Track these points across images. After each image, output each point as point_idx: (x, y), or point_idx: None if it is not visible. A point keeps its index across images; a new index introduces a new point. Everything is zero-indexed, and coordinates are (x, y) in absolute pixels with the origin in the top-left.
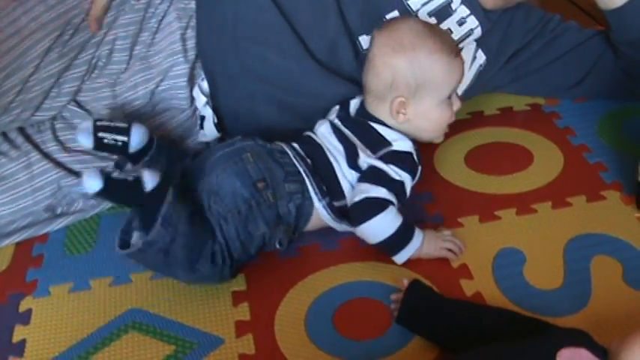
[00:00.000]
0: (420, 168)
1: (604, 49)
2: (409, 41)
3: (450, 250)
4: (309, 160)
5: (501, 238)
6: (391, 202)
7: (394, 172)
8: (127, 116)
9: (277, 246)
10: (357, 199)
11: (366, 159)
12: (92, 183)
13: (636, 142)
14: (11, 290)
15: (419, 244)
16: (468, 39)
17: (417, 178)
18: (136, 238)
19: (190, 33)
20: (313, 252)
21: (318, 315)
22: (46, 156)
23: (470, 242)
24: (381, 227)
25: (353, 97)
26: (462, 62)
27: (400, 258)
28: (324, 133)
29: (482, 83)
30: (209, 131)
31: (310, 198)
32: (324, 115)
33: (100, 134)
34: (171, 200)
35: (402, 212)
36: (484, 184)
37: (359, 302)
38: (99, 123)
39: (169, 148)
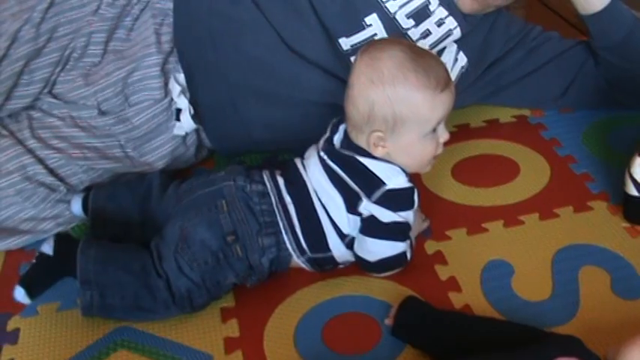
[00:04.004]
0: (416, 193)
1: (586, 58)
2: (389, 73)
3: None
4: (291, 208)
5: (489, 251)
6: (403, 250)
7: (397, 215)
8: (100, 105)
9: (247, 285)
10: (370, 259)
11: (367, 205)
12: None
13: (622, 151)
14: None
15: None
16: (448, 39)
17: (416, 204)
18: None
19: (165, 29)
20: (301, 267)
21: (307, 330)
22: (19, 142)
23: (458, 255)
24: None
25: (340, 123)
26: (452, 94)
27: None
28: (314, 171)
29: (466, 92)
30: (186, 123)
31: (287, 249)
32: (304, 106)
33: None
34: (86, 257)
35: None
36: (471, 196)
37: (348, 316)
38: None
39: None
